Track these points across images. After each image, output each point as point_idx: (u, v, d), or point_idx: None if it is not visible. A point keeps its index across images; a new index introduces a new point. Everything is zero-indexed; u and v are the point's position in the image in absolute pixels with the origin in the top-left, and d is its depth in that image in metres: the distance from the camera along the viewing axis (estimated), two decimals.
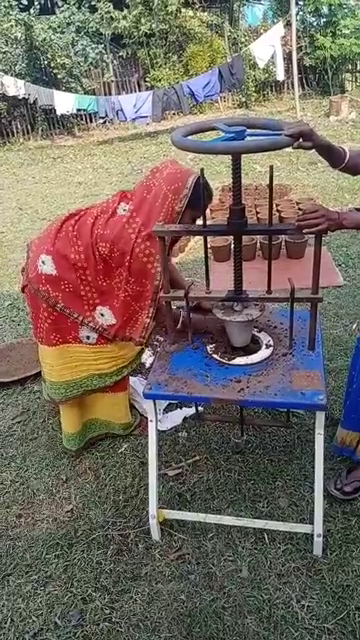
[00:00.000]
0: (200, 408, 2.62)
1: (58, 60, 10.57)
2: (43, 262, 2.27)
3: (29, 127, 11.38)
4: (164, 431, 2.69)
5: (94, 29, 11.07)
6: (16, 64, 10.61)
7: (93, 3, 10.93)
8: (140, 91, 11.34)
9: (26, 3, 10.60)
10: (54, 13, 11.14)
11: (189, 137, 1.77)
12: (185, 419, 2.76)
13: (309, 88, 11.97)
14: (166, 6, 10.86)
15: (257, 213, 4.91)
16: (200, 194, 1.97)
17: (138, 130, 10.97)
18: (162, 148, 9.36)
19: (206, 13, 11.75)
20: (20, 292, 4.32)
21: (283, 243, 4.37)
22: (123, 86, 11.96)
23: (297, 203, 5.13)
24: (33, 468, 2.59)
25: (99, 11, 10.97)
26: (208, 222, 1.99)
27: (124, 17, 11.06)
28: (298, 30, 10.38)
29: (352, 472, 2.26)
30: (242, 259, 2.00)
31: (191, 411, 2.74)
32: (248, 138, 1.70)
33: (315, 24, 11.54)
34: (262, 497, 2.29)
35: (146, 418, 2.45)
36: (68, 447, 2.60)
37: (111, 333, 2.34)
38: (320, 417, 1.87)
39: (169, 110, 10.42)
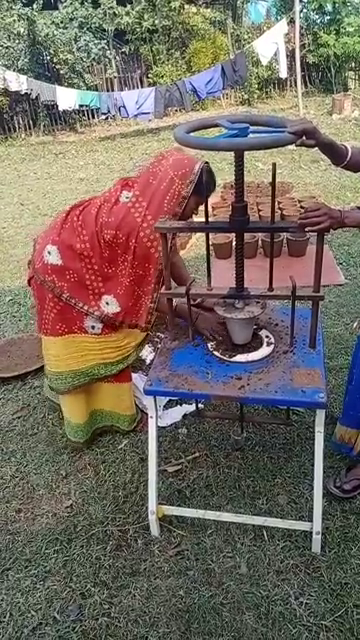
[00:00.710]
0: (200, 405, 2.63)
1: (61, 56, 10.55)
2: (49, 252, 2.30)
3: (31, 123, 11.36)
4: (164, 427, 2.70)
5: (97, 25, 11.05)
6: (19, 59, 10.59)
7: None
8: (142, 87, 11.31)
9: None
10: (57, 8, 11.13)
11: (192, 134, 1.77)
12: (185, 416, 2.76)
13: (312, 86, 11.94)
14: (169, 2, 10.84)
15: (259, 211, 4.90)
16: (206, 181, 2.05)
17: (140, 126, 10.96)
18: (164, 145, 9.34)
19: (209, 10, 11.73)
20: (21, 288, 4.39)
21: (285, 241, 4.36)
22: (125, 82, 11.94)
23: (299, 201, 5.12)
24: (33, 463, 2.60)
25: (102, 7, 10.94)
26: (210, 219, 1.99)
27: (127, 13, 11.04)
28: (301, 27, 10.37)
29: (351, 470, 2.26)
30: (244, 256, 2.01)
31: (191, 408, 2.75)
32: (251, 135, 1.70)
33: (319, 22, 11.51)
34: (261, 494, 2.29)
35: (146, 414, 2.46)
36: (75, 439, 2.60)
37: (118, 320, 2.35)
38: (320, 415, 1.87)
39: (171, 107, 10.41)
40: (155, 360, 2.11)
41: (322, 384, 1.88)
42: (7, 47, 10.46)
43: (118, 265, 2.28)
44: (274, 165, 1.77)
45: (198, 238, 4.95)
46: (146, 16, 11.05)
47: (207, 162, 2.17)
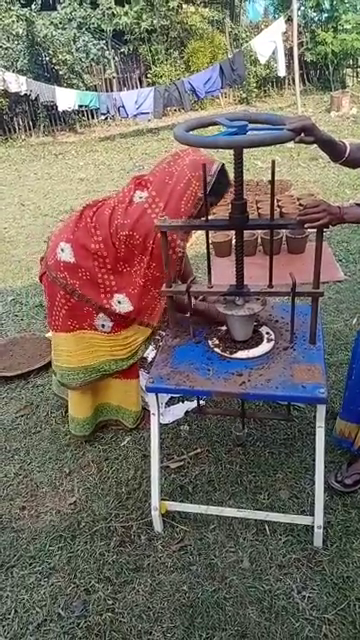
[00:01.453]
0: (202, 402, 2.64)
1: (60, 56, 10.55)
2: (62, 250, 2.32)
3: (31, 123, 11.37)
4: (166, 424, 2.72)
5: (96, 25, 11.04)
6: (18, 60, 10.59)
7: None
8: (141, 87, 11.32)
9: None
10: (55, 9, 11.12)
11: (191, 132, 1.79)
12: (187, 412, 2.78)
13: (310, 84, 11.93)
14: (167, 2, 10.84)
15: (258, 209, 4.91)
16: (222, 182, 2.12)
17: (139, 126, 10.96)
18: (163, 144, 9.35)
19: (207, 9, 11.72)
20: (22, 288, 4.41)
21: (284, 238, 4.37)
22: (124, 82, 11.94)
23: (298, 199, 5.13)
24: (36, 461, 2.62)
25: (100, 7, 10.94)
26: (209, 217, 2.00)
27: (125, 13, 11.04)
28: (299, 25, 10.35)
29: (352, 465, 2.28)
30: (244, 254, 2.02)
31: (193, 404, 2.77)
32: (250, 133, 1.71)
33: (316, 19, 11.50)
34: (263, 489, 2.31)
35: (148, 411, 2.47)
36: (80, 434, 2.63)
37: (130, 318, 2.37)
38: (321, 410, 1.88)
39: (170, 106, 10.42)
40: (157, 357, 2.12)
41: (322, 379, 1.89)
42: (6, 48, 10.46)
43: (134, 265, 2.29)
44: (273, 162, 1.79)
45: (198, 236, 4.96)
46: (144, 16, 11.05)
47: (223, 163, 2.18)
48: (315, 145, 1.84)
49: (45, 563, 2.11)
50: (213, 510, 2.17)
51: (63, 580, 2.04)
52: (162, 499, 2.18)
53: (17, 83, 9.68)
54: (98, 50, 11.04)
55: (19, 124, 11.32)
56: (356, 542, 2.05)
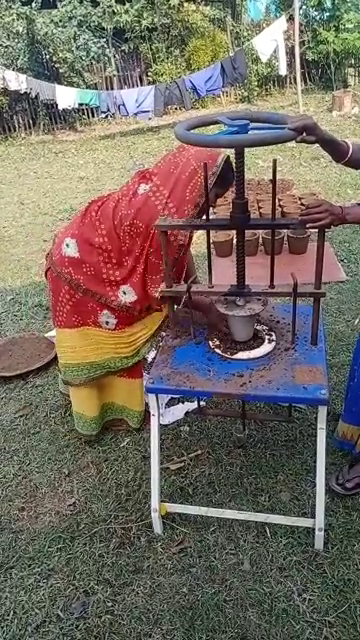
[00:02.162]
0: (202, 402, 2.63)
1: (60, 54, 10.51)
2: (67, 245, 2.32)
3: (31, 122, 11.33)
4: (166, 425, 2.70)
5: (96, 23, 11.00)
6: (18, 58, 10.55)
7: None
8: (142, 86, 11.29)
9: None
10: (56, 7, 11.08)
11: (192, 131, 1.77)
12: (187, 413, 2.77)
13: (312, 83, 11.89)
14: (168, 0, 10.81)
15: (259, 208, 4.89)
16: (227, 173, 2.11)
17: (140, 125, 10.93)
18: (164, 143, 9.33)
19: (208, 7, 11.68)
20: (22, 287, 4.39)
21: (285, 238, 4.36)
22: (125, 81, 11.90)
23: (299, 198, 5.12)
24: (35, 462, 2.60)
25: (101, 5, 10.90)
26: (211, 216, 1.99)
27: (126, 11, 11.00)
28: (301, 24, 10.32)
29: (354, 467, 2.26)
30: (245, 254, 2.00)
31: (193, 405, 2.75)
32: (251, 132, 1.70)
33: (318, 18, 11.45)
34: (264, 491, 2.29)
35: (148, 412, 2.46)
36: (87, 433, 2.62)
37: (136, 310, 2.36)
38: (322, 412, 1.87)
39: (171, 105, 10.37)
40: (157, 358, 2.11)
41: (324, 381, 1.88)
42: (6, 46, 10.43)
43: (136, 255, 2.27)
44: (274, 162, 1.77)
45: (199, 236, 4.94)
46: (145, 14, 11.01)
47: (228, 155, 2.16)
48: (317, 144, 1.83)
49: (44, 564, 2.10)
50: (213, 512, 2.16)
51: (62, 581, 2.03)
52: (162, 501, 2.17)
53: (17, 81, 9.65)
54: (98, 48, 11.00)
55: (19, 122, 11.28)
56: (357, 545, 2.04)
